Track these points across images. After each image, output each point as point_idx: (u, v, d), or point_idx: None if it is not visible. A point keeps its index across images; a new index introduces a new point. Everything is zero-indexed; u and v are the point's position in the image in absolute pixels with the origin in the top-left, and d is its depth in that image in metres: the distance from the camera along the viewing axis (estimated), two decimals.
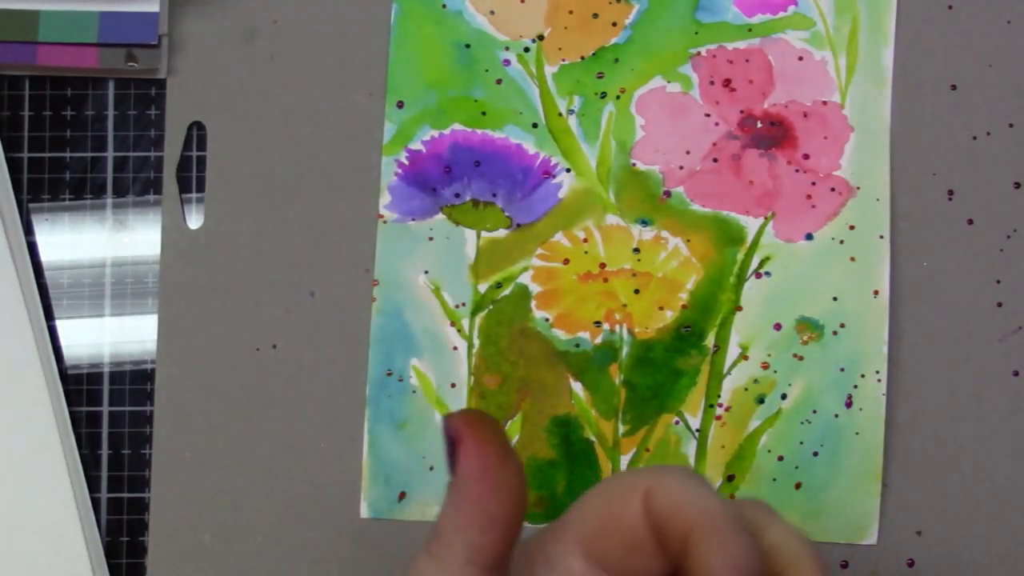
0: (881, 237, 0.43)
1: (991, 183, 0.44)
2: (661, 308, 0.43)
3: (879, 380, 0.43)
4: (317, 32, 0.45)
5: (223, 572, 0.44)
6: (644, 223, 0.44)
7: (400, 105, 0.44)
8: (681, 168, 0.44)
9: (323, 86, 0.45)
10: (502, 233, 0.44)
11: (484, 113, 0.44)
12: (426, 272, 0.43)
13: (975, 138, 0.44)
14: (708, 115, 0.44)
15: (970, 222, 0.44)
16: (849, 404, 0.43)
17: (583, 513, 0.29)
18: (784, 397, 0.43)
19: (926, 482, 0.44)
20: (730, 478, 0.43)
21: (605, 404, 0.43)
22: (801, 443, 0.43)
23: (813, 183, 0.44)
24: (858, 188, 0.44)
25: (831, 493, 0.43)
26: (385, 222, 0.44)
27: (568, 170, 0.44)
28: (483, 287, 0.43)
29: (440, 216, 0.44)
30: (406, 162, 0.44)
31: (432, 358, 0.43)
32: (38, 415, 0.43)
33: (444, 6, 0.44)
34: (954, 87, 0.44)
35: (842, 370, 0.43)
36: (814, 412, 0.43)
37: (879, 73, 0.44)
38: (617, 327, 0.43)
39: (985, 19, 0.45)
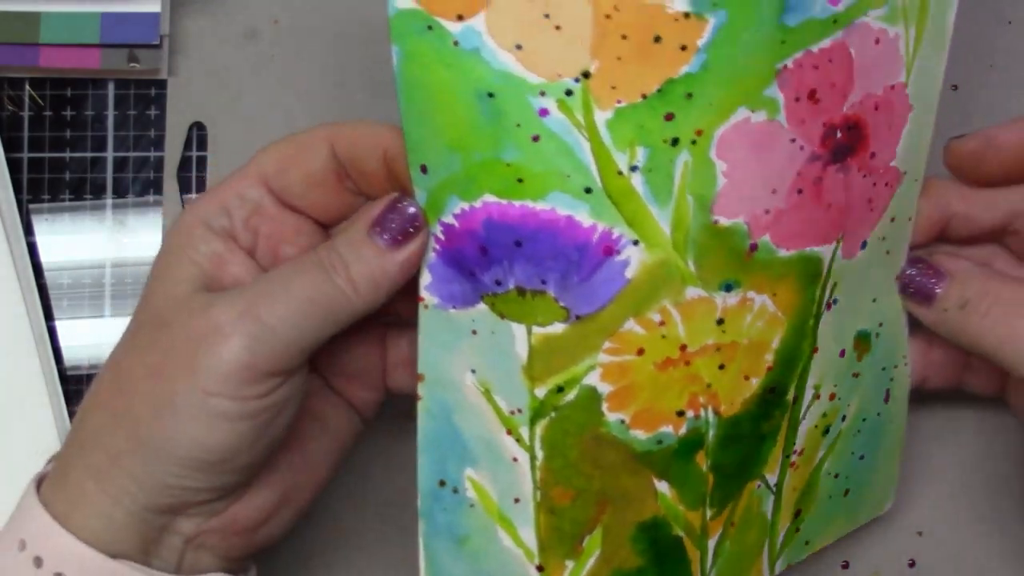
0: (909, 219, 0.39)
1: None
2: (747, 378, 0.36)
3: (906, 364, 0.41)
4: (317, 32, 0.45)
5: None
6: (728, 288, 0.35)
7: (424, 170, 0.34)
8: (767, 212, 0.34)
9: (323, 86, 0.45)
10: (559, 328, 0.34)
11: (521, 180, 0.33)
12: (473, 371, 0.36)
13: None
14: (793, 140, 0.34)
15: None
16: (887, 399, 0.40)
17: (265, 159, 0.35)
18: (844, 418, 0.39)
19: (926, 482, 0.44)
20: (797, 514, 0.39)
21: (693, 495, 0.37)
22: (853, 453, 0.40)
23: (874, 184, 0.37)
24: (904, 173, 0.38)
25: (868, 485, 0.41)
26: (427, 307, 0.35)
27: (636, 242, 0.34)
28: (541, 391, 0.35)
29: (482, 306, 0.35)
30: (442, 238, 0.35)
31: (490, 469, 0.36)
32: (38, 416, 0.43)
33: (456, 43, 0.32)
34: (955, 87, 0.44)
35: (883, 369, 0.40)
36: (863, 420, 0.40)
37: (941, 36, 0.37)
38: (702, 412, 0.36)
39: (985, 19, 0.45)
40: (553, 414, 0.35)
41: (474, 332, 0.35)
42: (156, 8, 0.43)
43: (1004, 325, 0.37)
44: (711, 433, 0.36)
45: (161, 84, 0.45)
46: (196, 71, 0.45)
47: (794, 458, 0.38)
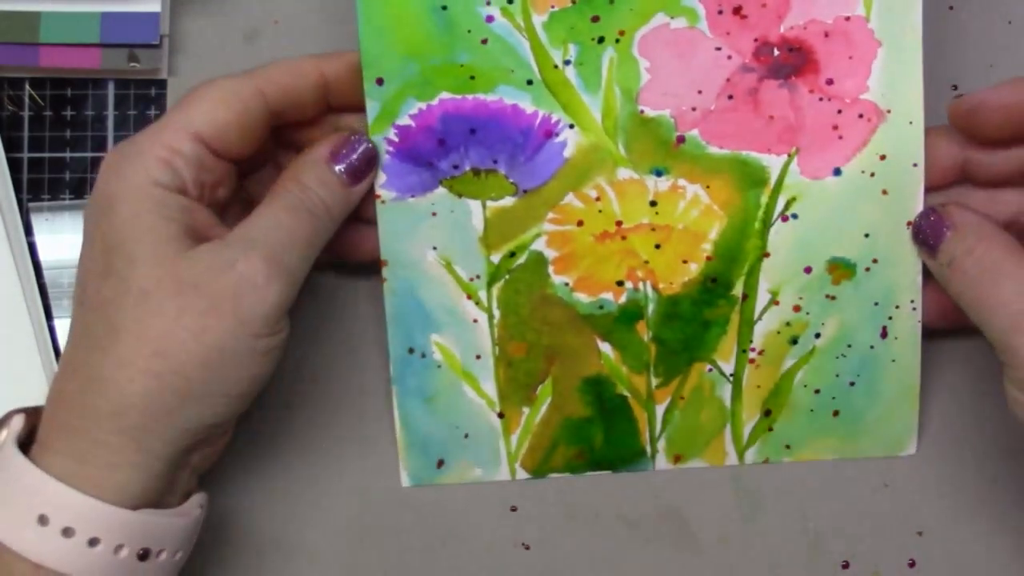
0: (915, 165, 0.41)
1: None
2: (685, 261, 0.42)
3: (914, 309, 0.42)
4: (317, 32, 0.45)
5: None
6: (659, 173, 0.41)
7: (380, 82, 0.40)
8: (694, 110, 0.41)
9: None
10: (509, 201, 0.41)
11: (473, 77, 0.40)
12: (434, 248, 0.42)
13: None
14: (719, 49, 0.40)
15: None
16: (884, 335, 0.42)
17: (196, 116, 0.37)
18: (818, 336, 0.42)
19: (926, 482, 0.44)
20: (767, 413, 0.43)
21: (635, 360, 0.43)
22: (837, 375, 0.43)
23: (839, 111, 0.41)
24: (888, 111, 0.41)
25: (870, 416, 0.43)
26: (383, 202, 0.41)
27: (572, 126, 0.41)
28: (496, 257, 0.42)
29: (440, 190, 0.41)
30: (396, 139, 0.41)
31: (453, 332, 0.42)
32: None
33: None
34: (955, 87, 0.44)
35: (876, 304, 0.42)
36: (849, 346, 0.43)
37: None
38: (641, 285, 0.42)
39: (985, 19, 0.45)
40: (507, 276, 0.42)
41: (433, 214, 0.41)
42: (156, 8, 0.43)
43: (978, 287, 0.37)
44: (651, 307, 0.42)
45: (161, 84, 0.45)
46: (196, 71, 0.44)
47: (753, 355, 0.43)
